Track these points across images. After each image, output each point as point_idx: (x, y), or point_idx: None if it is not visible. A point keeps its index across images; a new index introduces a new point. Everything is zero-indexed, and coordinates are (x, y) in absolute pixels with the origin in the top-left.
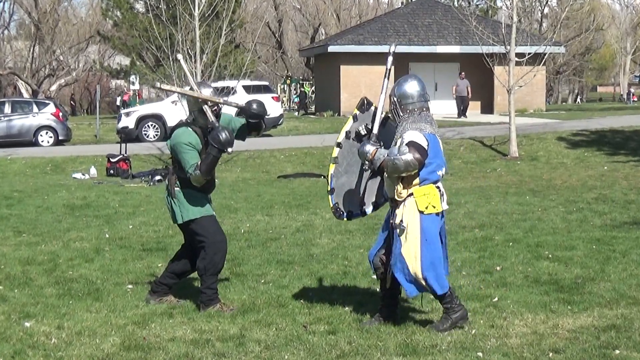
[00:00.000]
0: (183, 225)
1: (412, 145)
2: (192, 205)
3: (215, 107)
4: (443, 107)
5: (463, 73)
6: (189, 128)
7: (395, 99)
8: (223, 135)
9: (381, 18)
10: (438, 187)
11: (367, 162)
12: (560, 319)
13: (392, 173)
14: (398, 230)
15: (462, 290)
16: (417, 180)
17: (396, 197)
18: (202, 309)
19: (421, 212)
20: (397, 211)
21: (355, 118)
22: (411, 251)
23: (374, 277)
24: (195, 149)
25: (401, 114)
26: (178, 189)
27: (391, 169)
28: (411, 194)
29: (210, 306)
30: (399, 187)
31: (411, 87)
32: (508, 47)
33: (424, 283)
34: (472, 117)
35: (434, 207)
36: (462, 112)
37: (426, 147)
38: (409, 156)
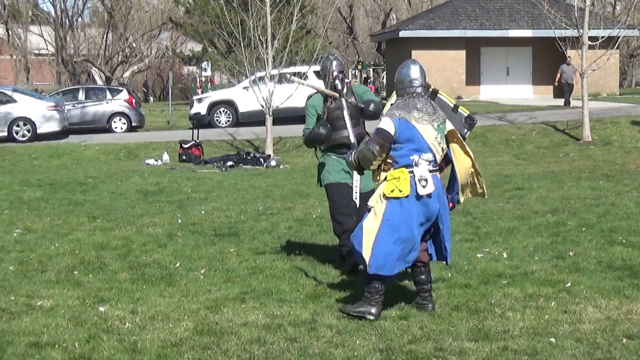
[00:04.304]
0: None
1: (376, 131)
2: (327, 172)
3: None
4: (515, 92)
5: (570, 58)
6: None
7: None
8: (316, 131)
9: (452, 2)
10: (412, 172)
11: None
12: (634, 304)
13: (365, 165)
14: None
15: (534, 276)
16: (390, 164)
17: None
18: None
19: (386, 196)
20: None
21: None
22: (371, 227)
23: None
24: (316, 114)
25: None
26: (321, 154)
27: (361, 160)
28: (385, 178)
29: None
30: (378, 173)
31: (403, 72)
32: (581, 31)
33: (365, 257)
34: (545, 101)
35: (400, 191)
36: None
37: (391, 131)
38: (369, 144)
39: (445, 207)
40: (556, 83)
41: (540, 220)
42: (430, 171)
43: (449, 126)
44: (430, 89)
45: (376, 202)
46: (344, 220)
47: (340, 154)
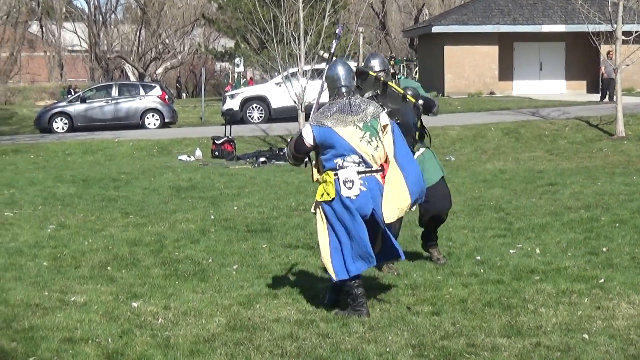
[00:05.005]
0: None
1: (296, 137)
2: None
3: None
4: (549, 87)
5: (611, 52)
6: None
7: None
8: None
9: None
10: (336, 174)
11: None
12: None
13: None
14: None
15: (567, 272)
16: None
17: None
18: None
19: (318, 200)
20: None
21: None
22: (322, 238)
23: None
24: None
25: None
26: None
27: None
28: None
29: None
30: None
31: (328, 73)
32: (615, 26)
33: (329, 269)
34: (578, 97)
35: (328, 195)
36: (609, 95)
37: (309, 140)
38: (287, 148)
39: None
40: (604, 75)
41: (573, 216)
42: (361, 172)
43: (384, 120)
44: (381, 81)
45: (315, 209)
46: None
47: None
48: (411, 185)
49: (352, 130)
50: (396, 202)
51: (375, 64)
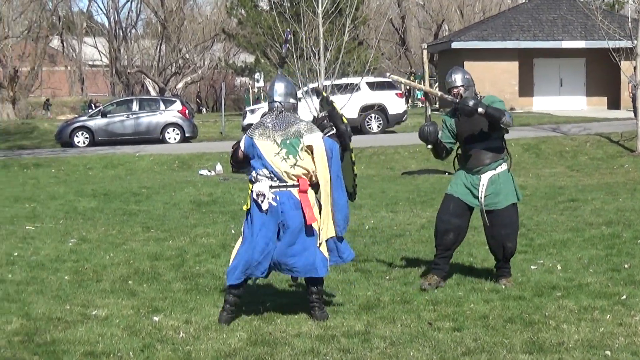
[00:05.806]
0: None
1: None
2: (450, 182)
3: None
4: (569, 103)
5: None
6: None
7: None
8: (423, 129)
9: (505, 14)
10: (252, 188)
11: None
12: None
13: None
14: None
15: (589, 288)
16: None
17: None
18: None
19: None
20: None
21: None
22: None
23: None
24: (447, 127)
25: None
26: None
27: None
28: None
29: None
30: None
31: (269, 88)
32: (635, 42)
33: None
34: (599, 113)
35: (247, 206)
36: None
37: (242, 148)
38: None
39: (296, 224)
40: (630, 94)
41: (594, 232)
42: (274, 186)
43: (308, 141)
44: (328, 102)
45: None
46: (440, 231)
47: (469, 169)
48: (337, 215)
49: (270, 144)
50: (329, 225)
51: (457, 78)
